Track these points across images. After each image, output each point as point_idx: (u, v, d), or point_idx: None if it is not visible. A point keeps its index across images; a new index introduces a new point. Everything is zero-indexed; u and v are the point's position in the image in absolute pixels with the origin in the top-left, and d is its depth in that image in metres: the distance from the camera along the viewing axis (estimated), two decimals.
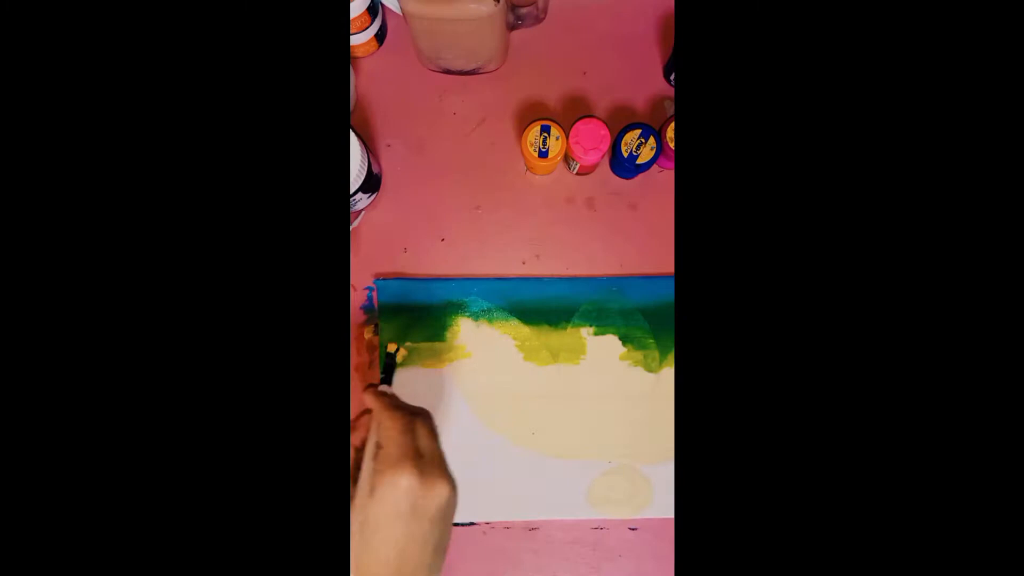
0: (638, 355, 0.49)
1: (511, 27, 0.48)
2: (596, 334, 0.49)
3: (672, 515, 0.48)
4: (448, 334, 0.49)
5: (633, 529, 0.48)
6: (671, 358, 0.49)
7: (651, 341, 0.49)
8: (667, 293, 0.49)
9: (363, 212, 0.50)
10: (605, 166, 0.50)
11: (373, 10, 0.47)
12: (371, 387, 0.37)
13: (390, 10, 0.50)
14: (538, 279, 0.49)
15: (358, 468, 0.34)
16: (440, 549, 0.32)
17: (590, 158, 0.45)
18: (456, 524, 0.35)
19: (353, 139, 0.41)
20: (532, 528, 0.48)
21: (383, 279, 0.49)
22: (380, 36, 0.50)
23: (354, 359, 0.49)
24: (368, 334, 0.49)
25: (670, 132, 0.45)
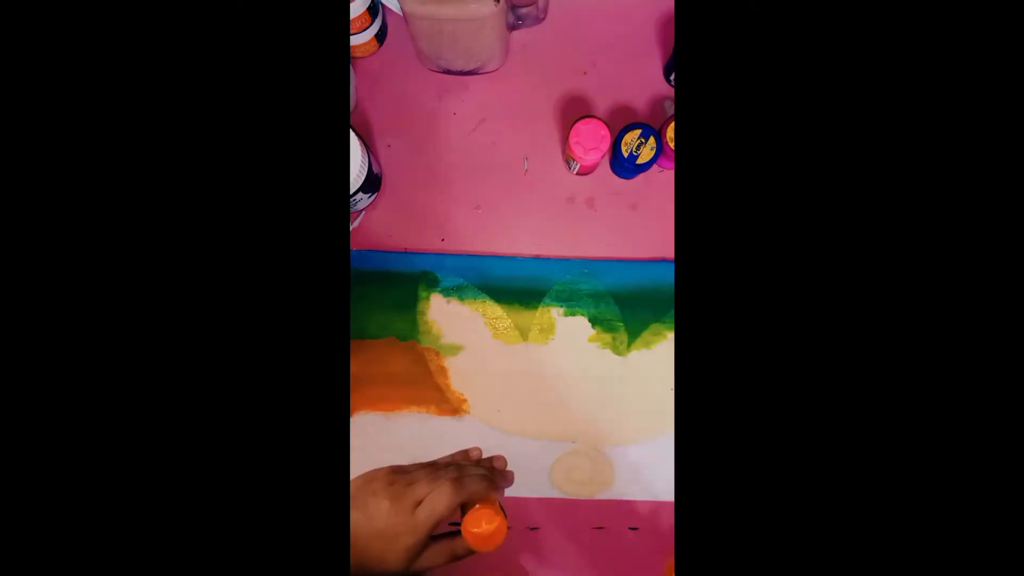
0: (607, 337, 0.49)
1: (511, 27, 0.48)
2: (566, 315, 0.49)
3: (633, 497, 0.49)
4: (419, 307, 0.49)
5: (634, 529, 0.48)
6: (639, 342, 0.49)
7: (620, 324, 0.49)
8: (638, 277, 0.50)
9: (363, 212, 0.50)
10: (605, 166, 0.50)
11: (373, 10, 0.47)
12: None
13: (390, 10, 0.50)
14: (511, 257, 0.49)
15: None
16: None
17: (590, 158, 0.45)
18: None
19: (353, 139, 0.41)
20: (532, 528, 0.48)
21: (358, 249, 0.49)
22: (380, 36, 0.50)
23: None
24: None
25: (670, 132, 0.45)
